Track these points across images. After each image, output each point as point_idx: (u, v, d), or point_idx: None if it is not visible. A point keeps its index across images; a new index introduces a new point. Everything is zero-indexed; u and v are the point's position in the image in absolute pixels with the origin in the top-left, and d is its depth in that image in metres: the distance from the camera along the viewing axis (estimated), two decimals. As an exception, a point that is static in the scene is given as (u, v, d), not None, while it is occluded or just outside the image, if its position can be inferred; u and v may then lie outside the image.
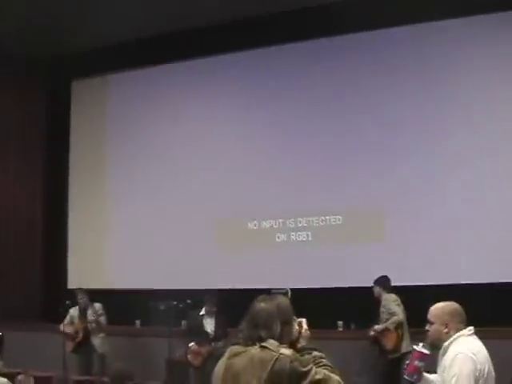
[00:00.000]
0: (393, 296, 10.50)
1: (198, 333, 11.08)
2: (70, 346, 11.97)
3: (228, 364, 3.69)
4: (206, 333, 11.09)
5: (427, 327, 5.06)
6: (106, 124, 15.13)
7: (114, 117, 15.01)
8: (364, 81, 12.67)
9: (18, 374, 8.50)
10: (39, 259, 15.35)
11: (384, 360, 10.32)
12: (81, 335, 11.94)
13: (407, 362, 5.11)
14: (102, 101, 15.25)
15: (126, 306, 13.00)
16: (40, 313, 14.87)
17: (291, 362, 3.55)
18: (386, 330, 10.29)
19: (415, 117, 12.25)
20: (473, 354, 4.74)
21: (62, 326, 12.00)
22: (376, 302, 10.60)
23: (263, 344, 3.61)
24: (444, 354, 4.90)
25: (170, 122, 14.44)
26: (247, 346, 3.67)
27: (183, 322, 11.93)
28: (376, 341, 10.46)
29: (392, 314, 10.29)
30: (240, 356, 3.65)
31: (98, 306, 12.15)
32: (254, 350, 3.61)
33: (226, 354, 3.74)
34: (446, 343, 4.90)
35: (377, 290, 10.67)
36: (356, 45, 12.76)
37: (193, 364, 10.90)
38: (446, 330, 4.93)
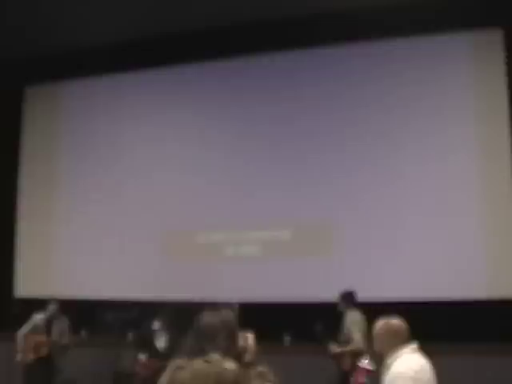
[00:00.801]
0: (355, 316, 10.11)
1: (148, 346, 11.03)
2: (29, 356, 11.18)
3: (171, 378, 3.68)
4: (156, 347, 11.03)
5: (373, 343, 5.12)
6: (58, 133, 15.03)
7: (67, 125, 14.91)
8: (316, 92, 12.80)
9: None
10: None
11: (339, 376, 10.18)
12: (44, 352, 11.20)
13: (352, 378, 5.17)
14: (55, 109, 15.15)
15: (73, 316, 12.89)
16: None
17: (235, 376, 3.55)
18: (342, 353, 10.07)
19: (364, 128, 12.41)
20: (414, 372, 4.78)
21: (21, 335, 11.21)
22: (339, 316, 10.29)
23: (208, 359, 3.61)
24: (385, 373, 4.94)
25: (122, 131, 14.42)
26: (191, 359, 3.68)
27: (130, 333, 11.83)
28: (334, 357, 10.25)
29: (350, 341, 9.91)
30: (184, 370, 3.65)
31: (66, 321, 11.54)
32: (198, 364, 3.62)
33: (170, 368, 3.73)
34: (389, 361, 4.94)
35: (341, 304, 10.33)
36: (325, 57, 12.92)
37: (141, 376, 10.84)
38: (384, 349, 4.98)
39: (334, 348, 10.06)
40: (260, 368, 3.81)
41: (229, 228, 13.18)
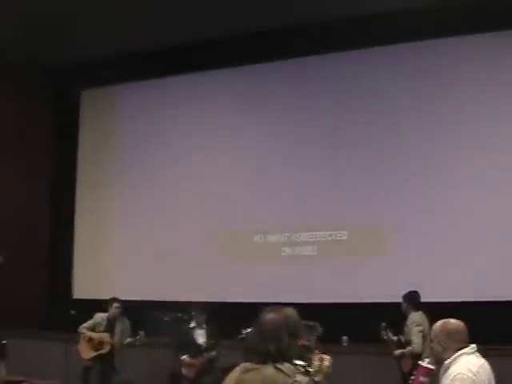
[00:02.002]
0: (417, 318, 9.98)
1: (189, 345, 11.08)
2: (89, 353, 11.31)
3: (240, 380, 3.60)
4: (198, 344, 11.08)
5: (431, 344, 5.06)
6: (114, 135, 15.18)
7: (122, 128, 15.07)
8: (372, 97, 12.70)
9: (21, 382, 8.48)
10: (44, 268, 15.38)
11: (403, 377, 10.07)
12: (106, 349, 11.30)
13: (412, 377, 5.10)
14: (110, 111, 15.31)
15: (130, 317, 12.96)
16: (44, 322, 14.88)
17: None
18: (403, 355, 10.02)
19: (419, 133, 12.29)
20: (473, 374, 4.70)
21: (83, 330, 11.34)
22: (403, 317, 10.18)
23: (279, 366, 3.52)
24: (444, 374, 4.87)
25: (178, 133, 14.49)
26: (258, 362, 3.59)
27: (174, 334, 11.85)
28: (395, 359, 10.19)
29: (410, 342, 9.86)
30: (252, 373, 3.55)
31: (127, 322, 11.66)
32: (269, 370, 3.51)
33: (238, 369, 3.64)
34: (447, 362, 4.87)
35: (404, 305, 10.19)
36: (370, 58, 12.83)
37: (187, 377, 10.90)
38: (441, 350, 4.91)
39: (394, 350, 10.01)
40: None
41: (286, 228, 13.15)
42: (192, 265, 13.68)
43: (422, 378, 5.00)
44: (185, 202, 14.08)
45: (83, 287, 14.63)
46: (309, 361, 3.66)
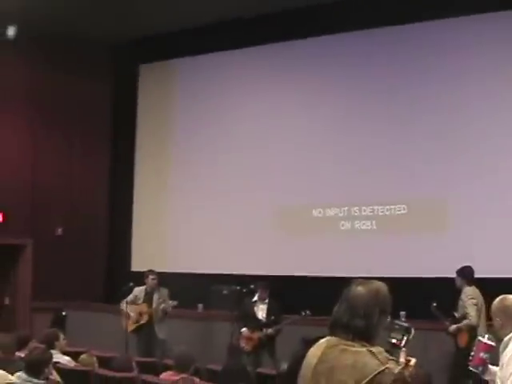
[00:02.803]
0: (471, 291, 9.93)
1: (249, 319, 11.16)
2: (130, 326, 11.81)
3: (324, 355, 3.38)
4: (258, 319, 11.16)
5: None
6: (172, 108, 15.20)
7: (181, 103, 15.07)
8: (426, 70, 12.48)
9: (81, 353, 8.59)
10: (103, 242, 15.57)
11: (458, 353, 10.01)
12: (145, 319, 11.77)
13: (472, 353, 5.03)
14: (169, 86, 15.33)
15: (188, 290, 13.05)
16: (103, 294, 15.07)
17: (394, 380, 3.24)
18: (459, 330, 9.97)
19: (480, 105, 12.02)
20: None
21: (123, 304, 11.77)
22: (458, 292, 10.13)
23: (371, 349, 3.30)
24: (503, 351, 4.79)
25: (238, 108, 14.46)
26: (346, 338, 3.35)
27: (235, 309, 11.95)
28: (451, 334, 10.17)
29: (466, 316, 9.80)
30: (341, 350, 3.34)
31: (165, 291, 11.98)
32: (359, 351, 3.30)
33: (326, 343, 3.43)
34: (506, 338, 4.80)
35: (459, 280, 10.13)
36: (423, 34, 12.58)
37: (244, 349, 11.01)
38: (499, 326, 4.84)
39: (450, 324, 9.93)
40: None
41: (344, 203, 13.06)
42: (251, 239, 13.71)
43: (482, 355, 4.93)
44: (244, 177, 14.08)
45: (142, 260, 14.72)
46: (397, 358, 3.46)
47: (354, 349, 3.31)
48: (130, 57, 15.64)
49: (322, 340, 3.47)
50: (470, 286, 10.00)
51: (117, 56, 15.84)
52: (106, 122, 15.86)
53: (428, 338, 10.53)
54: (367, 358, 3.27)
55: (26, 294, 14.43)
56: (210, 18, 14.00)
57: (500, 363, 4.80)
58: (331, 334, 3.43)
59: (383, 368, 3.24)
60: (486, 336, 4.98)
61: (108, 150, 15.89)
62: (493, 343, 4.91)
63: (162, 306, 11.79)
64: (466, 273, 10.15)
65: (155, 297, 11.91)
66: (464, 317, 9.79)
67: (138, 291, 12.03)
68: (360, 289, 3.41)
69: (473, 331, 9.57)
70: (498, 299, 4.99)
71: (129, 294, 11.98)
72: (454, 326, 9.91)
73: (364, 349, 3.30)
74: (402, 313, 11.85)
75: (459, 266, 10.24)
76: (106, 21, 14.28)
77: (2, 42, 13.72)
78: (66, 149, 15.17)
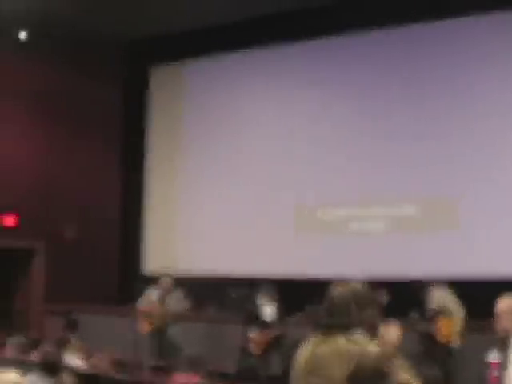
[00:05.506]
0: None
1: (257, 321, 11.15)
2: (145, 328, 11.80)
3: (312, 352, 3.62)
4: (265, 321, 11.14)
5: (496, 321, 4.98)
6: (182, 110, 15.22)
7: (191, 103, 15.09)
8: (438, 68, 12.49)
9: (93, 355, 8.64)
10: (116, 245, 15.58)
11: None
12: (159, 322, 11.72)
13: (487, 375, 5.03)
14: (179, 87, 15.36)
15: (200, 292, 13.07)
16: (115, 297, 15.08)
17: (377, 359, 3.48)
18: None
19: (495, 102, 11.99)
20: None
21: (138, 307, 11.90)
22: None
23: (350, 337, 3.54)
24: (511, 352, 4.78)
25: (248, 106, 14.49)
26: (330, 334, 3.59)
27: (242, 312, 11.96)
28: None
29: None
30: (325, 345, 3.57)
31: (179, 294, 12.09)
32: (341, 342, 3.53)
33: (310, 344, 3.68)
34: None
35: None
36: (437, 31, 12.58)
37: (255, 353, 10.98)
38: (506, 328, 4.82)
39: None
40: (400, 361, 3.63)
41: (354, 203, 13.06)
42: (262, 241, 13.71)
43: (496, 373, 4.94)
44: (255, 175, 14.08)
45: (154, 262, 14.77)
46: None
47: (337, 343, 3.53)
48: (141, 57, 15.71)
49: (309, 340, 3.71)
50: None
51: (128, 56, 15.89)
52: (117, 123, 15.87)
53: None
54: (349, 346, 3.49)
55: (38, 297, 14.46)
56: (221, 18, 14.01)
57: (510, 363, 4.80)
58: (316, 334, 3.68)
59: (364, 351, 3.46)
60: (492, 354, 4.98)
61: (119, 152, 15.89)
62: (499, 360, 4.91)
63: (175, 308, 11.83)
64: None
65: (169, 299, 11.95)
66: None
67: (152, 293, 12.07)
68: (338, 289, 3.70)
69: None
70: (506, 300, 4.97)
71: (143, 297, 12.03)
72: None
73: (345, 340, 3.52)
74: (414, 314, 11.86)
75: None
76: (117, 22, 14.32)
77: (14, 43, 13.87)
78: (78, 152, 15.18)
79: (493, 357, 4.93)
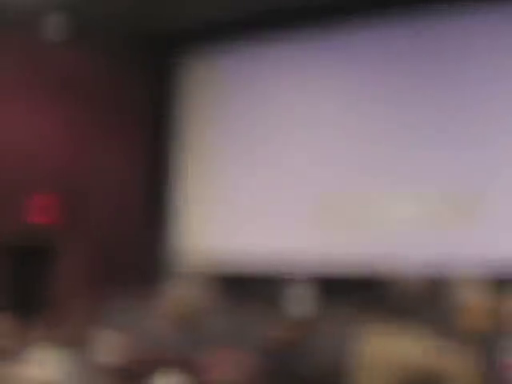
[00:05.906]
0: None
1: (284, 318, 11.11)
2: (175, 321, 11.83)
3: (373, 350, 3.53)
4: (294, 318, 11.09)
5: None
6: (212, 100, 15.29)
7: (221, 92, 15.19)
8: (462, 59, 12.55)
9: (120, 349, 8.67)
10: (145, 239, 15.62)
11: None
12: (190, 315, 11.77)
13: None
14: (208, 77, 15.45)
15: (228, 286, 13.09)
16: (142, 290, 15.10)
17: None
18: None
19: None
20: None
21: (167, 299, 11.94)
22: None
23: (419, 337, 3.40)
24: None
25: (279, 97, 14.52)
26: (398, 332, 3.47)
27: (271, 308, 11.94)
28: None
29: None
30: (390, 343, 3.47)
31: (209, 286, 12.04)
32: (411, 341, 3.42)
33: (369, 340, 3.57)
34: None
35: None
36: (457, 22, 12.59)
37: (281, 351, 10.94)
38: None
39: None
40: None
41: (374, 199, 13.03)
42: (291, 233, 13.73)
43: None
44: (286, 168, 14.14)
45: (188, 251, 14.88)
46: None
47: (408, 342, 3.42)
48: (171, 49, 15.85)
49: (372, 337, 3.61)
50: None
51: (158, 48, 15.91)
52: (145, 113, 15.93)
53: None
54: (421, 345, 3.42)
55: (66, 290, 14.51)
56: (251, 7, 14.01)
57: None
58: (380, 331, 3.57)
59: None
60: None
61: (146, 143, 15.92)
62: None
63: (202, 301, 11.83)
64: None
65: (196, 292, 11.95)
66: None
67: (181, 286, 12.04)
68: (402, 287, 3.70)
69: None
70: None
71: (175, 286, 12.05)
72: None
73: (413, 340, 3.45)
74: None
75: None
76: (148, 11, 14.35)
77: (45, 34, 13.99)
78: (104, 141, 15.26)
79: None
